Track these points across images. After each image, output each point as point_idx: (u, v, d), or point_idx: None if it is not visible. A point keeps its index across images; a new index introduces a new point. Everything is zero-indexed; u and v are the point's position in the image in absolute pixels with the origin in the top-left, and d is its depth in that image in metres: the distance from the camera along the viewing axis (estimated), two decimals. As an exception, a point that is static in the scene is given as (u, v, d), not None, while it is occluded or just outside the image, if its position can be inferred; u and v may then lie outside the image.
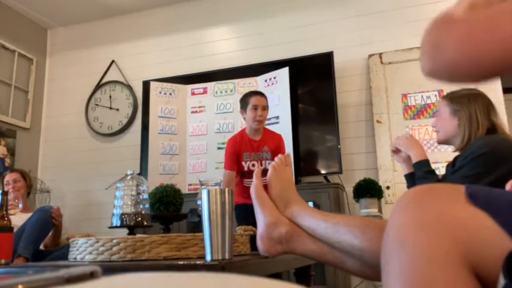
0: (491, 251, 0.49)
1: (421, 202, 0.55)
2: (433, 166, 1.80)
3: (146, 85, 3.85)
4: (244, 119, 2.56)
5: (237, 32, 4.05)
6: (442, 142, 1.85)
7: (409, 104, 3.34)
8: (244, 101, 2.52)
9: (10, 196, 3.06)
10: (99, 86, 4.32)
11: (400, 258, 0.52)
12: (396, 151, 1.94)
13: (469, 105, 1.75)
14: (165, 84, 3.80)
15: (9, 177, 3.18)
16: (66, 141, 4.34)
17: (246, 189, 2.36)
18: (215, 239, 0.96)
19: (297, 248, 1.03)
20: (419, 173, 1.76)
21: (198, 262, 0.98)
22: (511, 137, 1.74)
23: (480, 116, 1.72)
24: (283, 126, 3.37)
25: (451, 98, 1.82)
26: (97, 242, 1.12)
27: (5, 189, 3.11)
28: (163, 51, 4.20)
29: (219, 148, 3.60)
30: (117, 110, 4.21)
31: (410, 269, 0.51)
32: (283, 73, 3.46)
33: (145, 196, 1.64)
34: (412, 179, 1.87)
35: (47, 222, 2.77)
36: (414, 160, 1.80)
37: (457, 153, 1.81)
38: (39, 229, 2.70)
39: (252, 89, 3.58)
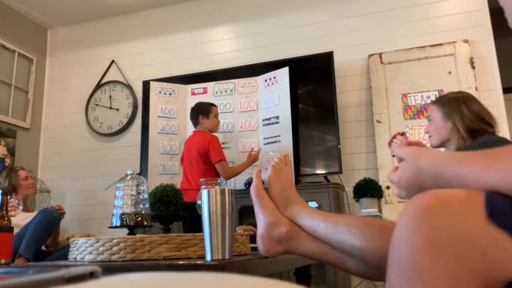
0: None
1: (433, 220, 0.51)
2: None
3: (146, 85, 3.85)
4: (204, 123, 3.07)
5: (236, 32, 4.05)
6: (437, 146, 1.84)
7: (409, 104, 3.33)
8: (208, 109, 3.10)
9: (29, 192, 3.12)
10: (99, 86, 4.32)
11: None
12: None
13: (459, 106, 1.73)
14: (165, 84, 3.80)
15: (24, 173, 3.16)
16: (66, 141, 4.34)
17: None
18: (215, 239, 0.96)
19: (297, 248, 1.03)
20: None
21: (198, 262, 0.98)
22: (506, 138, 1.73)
23: (473, 117, 1.70)
24: (283, 126, 3.37)
25: (441, 102, 1.81)
26: (97, 242, 1.12)
27: (23, 183, 3.11)
28: (163, 51, 4.20)
29: (219, 148, 3.59)
30: (117, 110, 4.21)
31: None
32: (283, 73, 3.46)
33: (145, 196, 1.64)
34: None
35: (51, 224, 2.76)
36: None
37: None
38: (42, 230, 2.69)
39: (252, 88, 3.59)
